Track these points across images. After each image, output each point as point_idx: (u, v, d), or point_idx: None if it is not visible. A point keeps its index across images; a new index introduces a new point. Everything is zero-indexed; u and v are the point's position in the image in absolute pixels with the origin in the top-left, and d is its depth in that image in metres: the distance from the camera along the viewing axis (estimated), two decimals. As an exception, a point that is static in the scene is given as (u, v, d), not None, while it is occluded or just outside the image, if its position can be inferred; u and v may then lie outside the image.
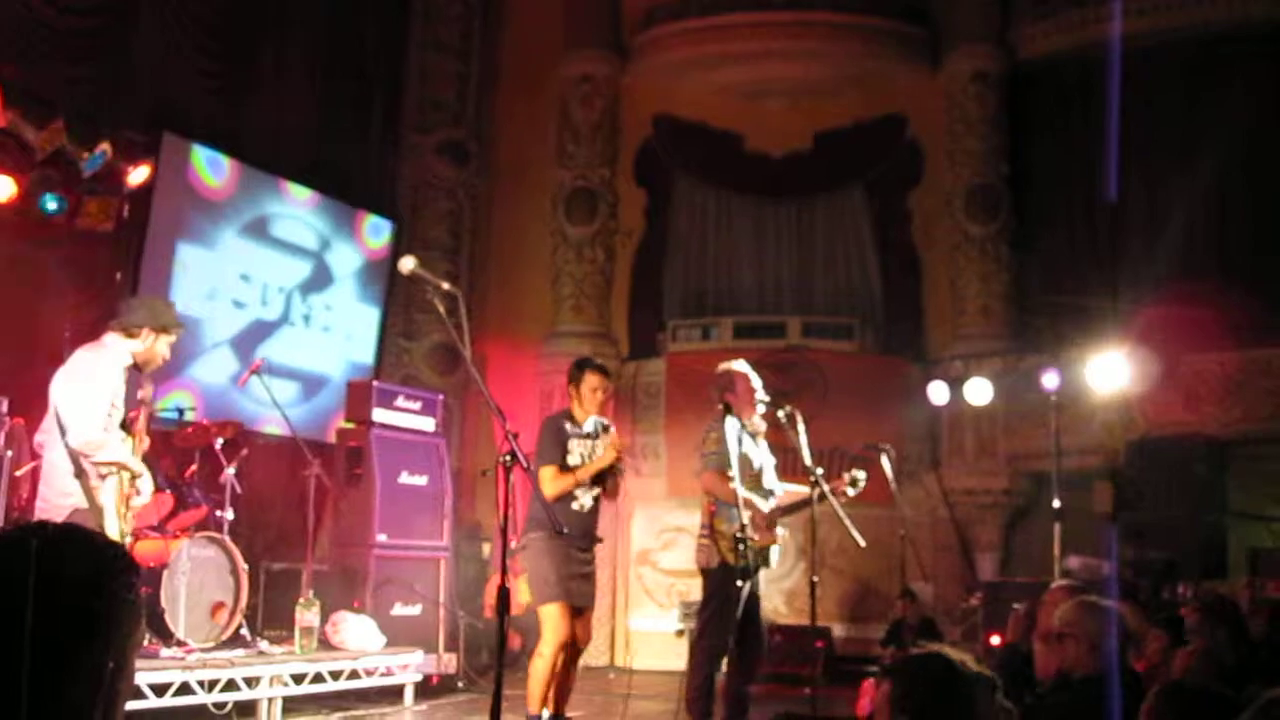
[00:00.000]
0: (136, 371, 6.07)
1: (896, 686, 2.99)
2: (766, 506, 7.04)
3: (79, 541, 1.54)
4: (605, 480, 6.74)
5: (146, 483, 5.94)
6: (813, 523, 6.95)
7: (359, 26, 12.88)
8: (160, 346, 6.07)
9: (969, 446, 12.59)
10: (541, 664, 6.44)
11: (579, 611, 6.63)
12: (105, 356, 5.85)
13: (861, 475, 7.19)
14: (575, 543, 6.56)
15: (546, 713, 6.52)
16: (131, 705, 5.07)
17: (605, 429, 6.88)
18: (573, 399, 6.85)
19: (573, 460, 6.66)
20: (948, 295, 13.27)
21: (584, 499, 6.67)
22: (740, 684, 6.99)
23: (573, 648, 6.68)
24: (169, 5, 10.21)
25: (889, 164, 13.75)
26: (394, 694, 8.46)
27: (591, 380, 6.81)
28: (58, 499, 5.73)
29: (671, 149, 13.93)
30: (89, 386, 5.73)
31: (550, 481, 6.53)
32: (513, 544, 6.26)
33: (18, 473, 6.98)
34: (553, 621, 6.46)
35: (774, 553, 7.11)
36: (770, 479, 7.21)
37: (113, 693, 1.51)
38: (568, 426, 6.74)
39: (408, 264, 4.92)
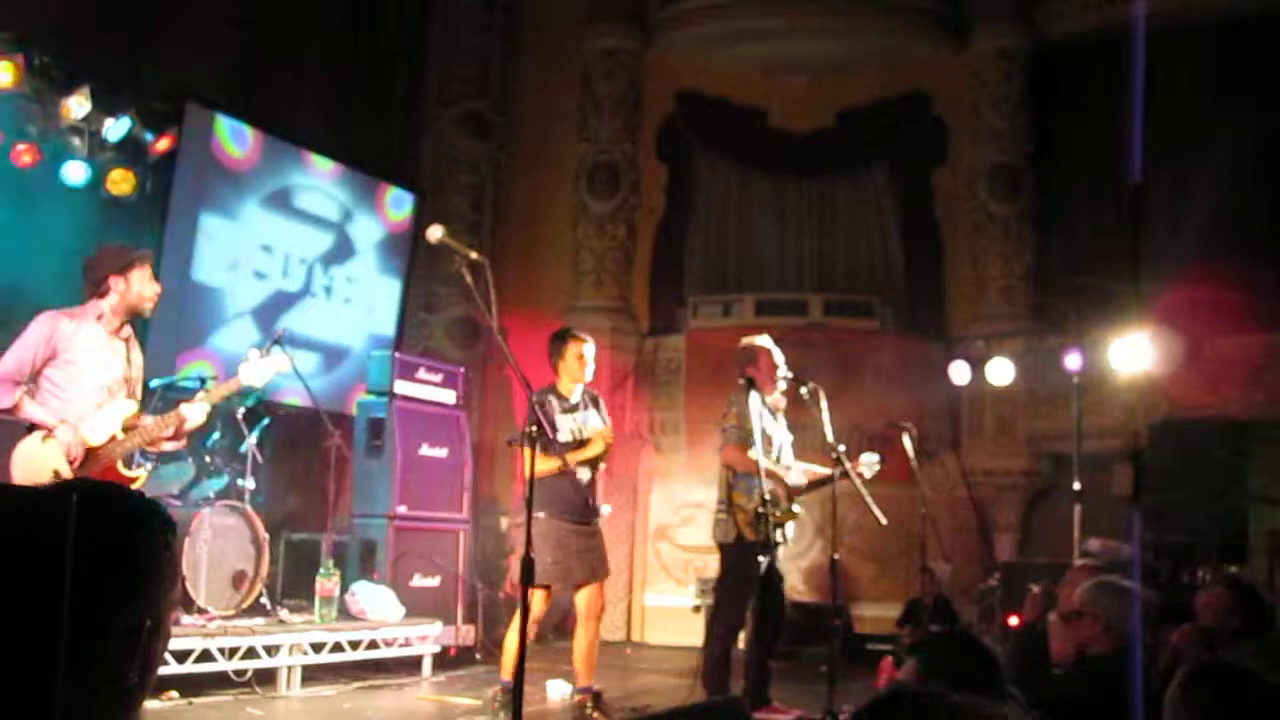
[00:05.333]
0: (130, 327, 6.18)
1: (922, 664, 3.01)
2: (794, 478, 7.05)
3: (118, 497, 1.54)
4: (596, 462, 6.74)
5: (63, 434, 5.93)
6: (832, 501, 6.95)
7: (383, -3, 12.87)
8: (136, 284, 6.11)
9: (989, 427, 12.57)
10: (513, 637, 6.39)
11: (585, 584, 6.65)
12: (40, 319, 5.99)
13: (875, 458, 7.19)
14: (575, 518, 6.54)
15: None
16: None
17: (595, 400, 6.87)
18: (559, 373, 6.81)
19: (562, 438, 6.58)
20: (970, 274, 13.21)
21: (582, 472, 6.64)
22: (760, 657, 7.01)
23: (589, 618, 6.69)
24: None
25: (912, 142, 13.67)
26: (412, 664, 8.51)
27: (575, 348, 6.79)
28: None
29: (694, 125, 13.88)
30: (15, 344, 5.94)
31: (538, 462, 6.51)
32: (505, 522, 6.24)
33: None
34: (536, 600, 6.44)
35: (790, 529, 7.12)
36: (787, 456, 7.21)
37: (149, 650, 1.52)
38: (553, 401, 6.70)
39: (435, 233, 4.92)
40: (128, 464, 6.15)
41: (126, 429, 6.06)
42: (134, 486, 6.06)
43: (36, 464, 5.78)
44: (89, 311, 6.08)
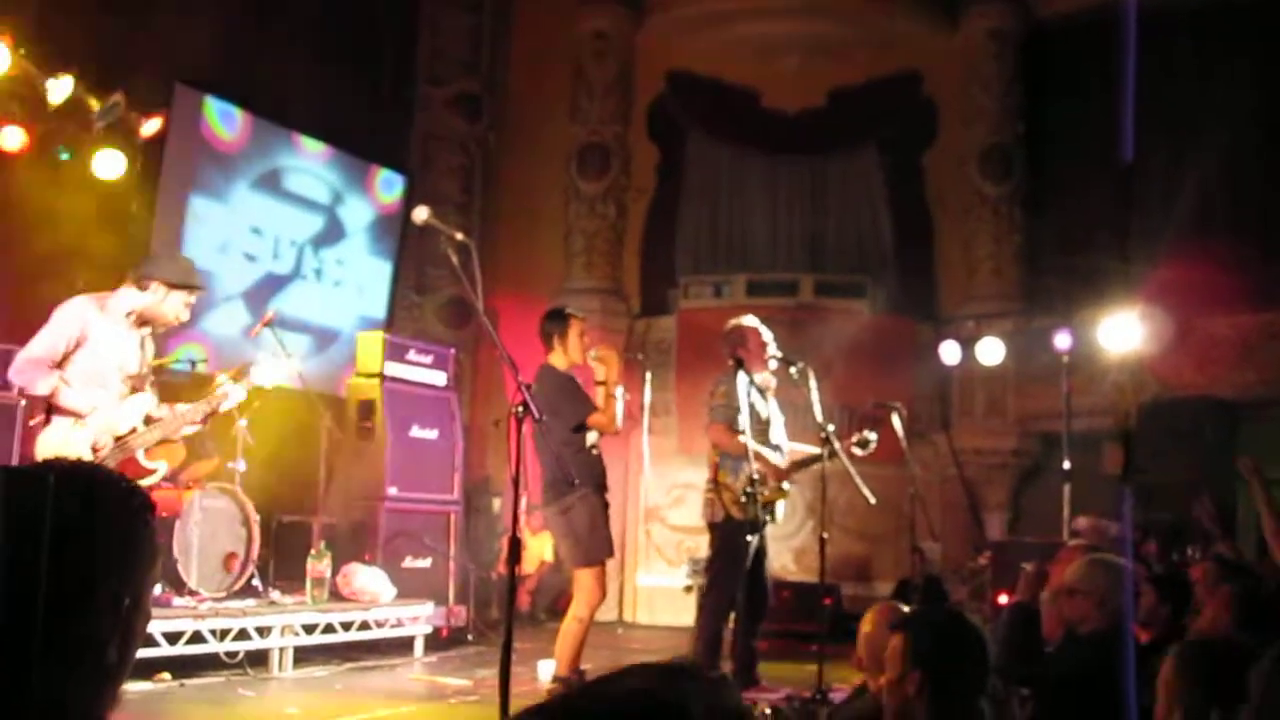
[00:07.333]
0: (145, 328, 6.14)
1: (908, 640, 3.02)
2: (777, 460, 7.04)
3: (96, 477, 1.54)
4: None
5: (95, 420, 5.94)
6: (822, 480, 6.97)
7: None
8: (172, 304, 6.11)
9: (979, 406, 12.60)
10: (579, 627, 6.33)
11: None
12: (72, 304, 5.97)
13: (872, 436, 7.18)
14: (605, 491, 6.50)
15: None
16: (144, 653, 5.11)
17: None
18: (557, 351, 6.59)
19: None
20: (960, 255, 13.22)
21: (596, 440, 6.59)
22: (746, 638, 7.02)
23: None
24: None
25: (903, 122, 13.66)
26: (404, 645, 8.52)
27: (579, 328, 6.65)
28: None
29: (685, 105, 13.85)
30: (46, 328, 5.90)
31: (609, 418, 6.45)
32: (525, 501, 6.18)
33: (31, 422, 7.01)
34: (594, 582, 6.34)
35: (780, 508, 7.12)
36: (778, 434, 7.21)
37: (128, 628, 1.52)
38: (562, 373, 6.62)
39: (421, 214, 4.91)
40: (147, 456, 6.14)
41: (148, 422, 6.07)
42: (151, 479, 6.07)
43: (64, 451, 5.77)
44: (120, 300, 6.06)
